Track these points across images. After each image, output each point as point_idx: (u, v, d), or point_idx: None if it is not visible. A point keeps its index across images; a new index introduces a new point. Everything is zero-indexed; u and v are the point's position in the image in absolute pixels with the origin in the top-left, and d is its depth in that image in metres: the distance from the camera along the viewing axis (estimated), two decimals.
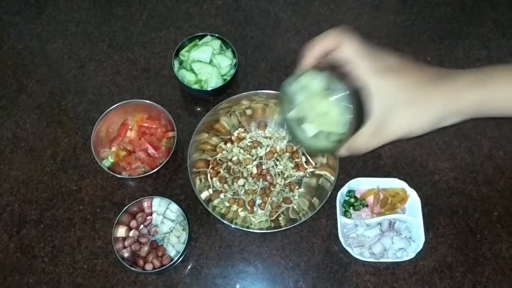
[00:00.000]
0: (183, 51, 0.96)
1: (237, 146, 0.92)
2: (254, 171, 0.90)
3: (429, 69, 0.54)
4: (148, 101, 0.91)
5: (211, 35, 0.97)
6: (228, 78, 0.94)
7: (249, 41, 1.05)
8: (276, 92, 0.87)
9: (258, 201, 0.88)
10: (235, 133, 0.94)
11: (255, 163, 0.91)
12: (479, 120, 0.96)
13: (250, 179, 0.90)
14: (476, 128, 0.96)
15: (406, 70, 0.53)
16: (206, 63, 0.94)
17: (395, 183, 0.87)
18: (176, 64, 0.96)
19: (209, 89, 0.93)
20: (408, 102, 0.52)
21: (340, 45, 0.53)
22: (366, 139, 0.55)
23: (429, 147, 0.94)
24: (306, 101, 0.54)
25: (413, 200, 0.86)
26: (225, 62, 0.95)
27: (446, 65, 1.02)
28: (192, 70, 0.94)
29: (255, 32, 1.06)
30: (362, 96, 0.52)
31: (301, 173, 0.90)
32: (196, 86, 0.94)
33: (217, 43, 0.96)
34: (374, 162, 0.93)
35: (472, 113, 0.53)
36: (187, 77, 0.94)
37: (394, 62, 0.54)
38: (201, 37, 0.98)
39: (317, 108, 0.53)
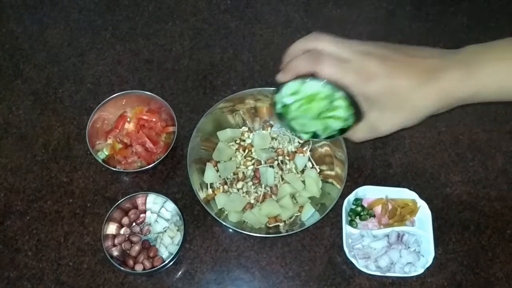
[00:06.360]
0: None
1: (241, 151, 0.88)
2: (251, 173, 0.86)
3: (413, 62, 0.57)
4: (149, 93, 0.87)
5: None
6: None
7: (258, 38, 1.01)
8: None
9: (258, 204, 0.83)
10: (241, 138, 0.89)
11: (251, 166, 0.86)
12: (494, 134, 0.92)
13: (249, 183, 0.85)
14: (490, 142, 0.91)
15: (392, 69, 0.56)
16: None
17: (405, 194, 0.82)
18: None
19: None
20: (398, 107, 0.58)
21: (317, 41, 0.60)
22: (363, 133, 0.65)
23: (441, 158, 0.89)
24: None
25: (424, 212, 0.81)
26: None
27: None
28: None
29: (264, 30, 1.02)
30: (356, 98, 0.59)
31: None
32: None
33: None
34: (383, 171, 0.88)
35: (461, 103, 0.58)
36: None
37: (373, 49, 0.58)
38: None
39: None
